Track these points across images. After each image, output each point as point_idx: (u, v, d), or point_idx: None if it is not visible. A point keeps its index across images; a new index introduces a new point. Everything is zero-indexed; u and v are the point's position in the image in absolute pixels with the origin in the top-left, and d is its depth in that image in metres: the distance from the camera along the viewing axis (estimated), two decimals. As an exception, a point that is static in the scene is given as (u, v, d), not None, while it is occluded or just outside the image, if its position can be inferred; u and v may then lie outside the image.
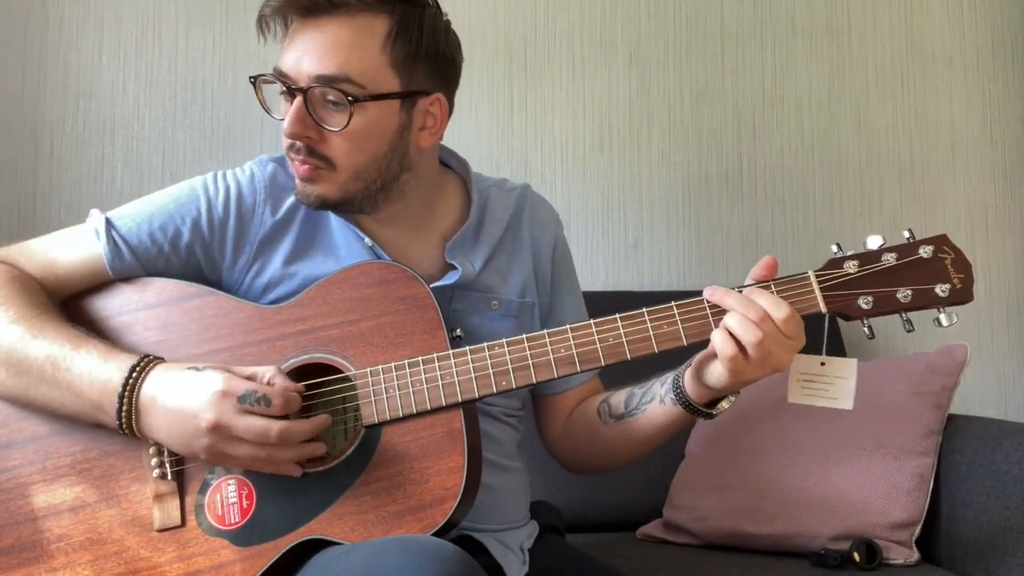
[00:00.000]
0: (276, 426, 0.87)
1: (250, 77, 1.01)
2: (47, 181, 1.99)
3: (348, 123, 0.96)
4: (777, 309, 0.90)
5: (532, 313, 1.13)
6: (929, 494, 1.47)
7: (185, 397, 0.87)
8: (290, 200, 1.06)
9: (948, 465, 1.51)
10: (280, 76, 0.98)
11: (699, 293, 1.96)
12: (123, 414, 0.89)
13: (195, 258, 1.04)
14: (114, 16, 2.04)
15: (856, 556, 1.40)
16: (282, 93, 1.00)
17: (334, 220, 1.07)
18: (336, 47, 0.95)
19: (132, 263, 1.01)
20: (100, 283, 1.02)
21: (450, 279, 1.05)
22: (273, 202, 1.06)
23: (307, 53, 0.95)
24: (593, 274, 2.07)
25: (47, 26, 2.02)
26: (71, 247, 1.02)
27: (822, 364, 0.98)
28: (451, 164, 1.16)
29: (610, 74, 2.15)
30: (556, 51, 2.13)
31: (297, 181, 1.01)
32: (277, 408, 0.87)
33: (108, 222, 1.02)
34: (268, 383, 0.89)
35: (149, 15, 2.05)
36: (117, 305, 1.01)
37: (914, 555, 1.44)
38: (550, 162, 2.12)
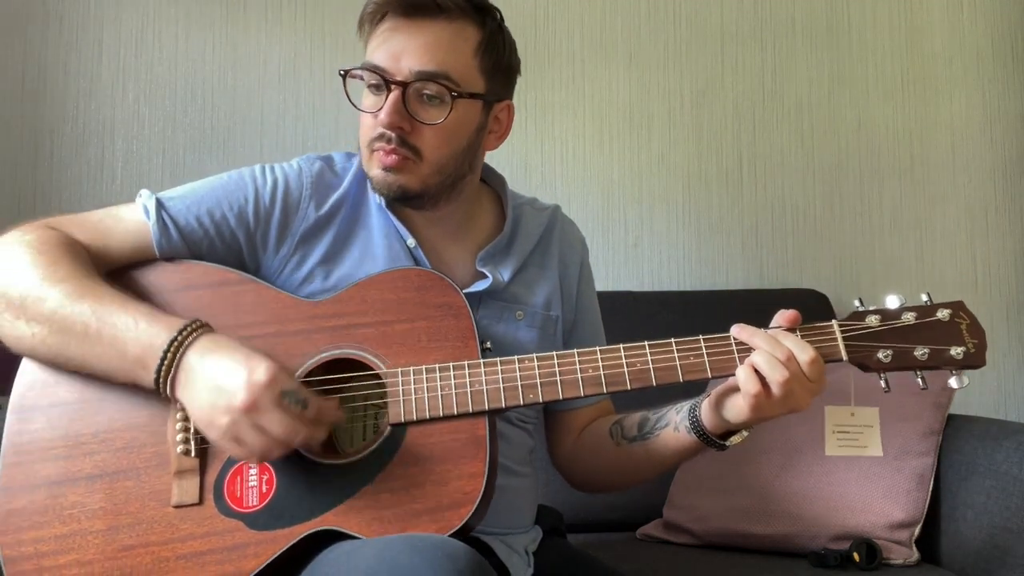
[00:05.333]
0: (304, 432, 0.88)
1: (340, 70, 1.04)
2: (47, 181, 1.99)
3: (447, 116, 1.01)
4: (803, 351, 0.92)
5: (556, 327, 1.16)
6: (929, 494, 1.47)
7: (230, 374, 0.87)
8: (334, 197, 1.10)
9: (948, 465, 1.51)
10: (376, 69, 1.02)
11: (699, 293, 1.98)
12: (163, 371, 0.90)
13: (238, 244, 1.06)
14: (114, 16, 2.04)
15: (856, 556, 1.40)
16: (371, 86, 1.04)
17: (375, 220, 1.11)
18: (437, 46, 1.01)
19: (178, 243, 1.03)
20: (144, 260, 1.04)
21: (480, 286, 1.08)
22: (318, 198, 1.09)
23: (408, 50, 1.01)
24: (593, 274, 2.07)
25: (47, 26, 2.02)
26: (121, 221, 1.04)
27: (851, 414, 1.02)
28: (488, 179, 1.21)
29: (610, 74, 2.15)
30: (556, 51, 2.14)
31: (378, 171, 1.04)
32: (309, 416, 0.88)
33: (159, 202, 1.04)
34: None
35: (149, 15, 2.05)
36: (159, 283, 1.02)
37: (914, 555, 1.44)
38: (550, 162, 2.12)
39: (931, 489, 1.48)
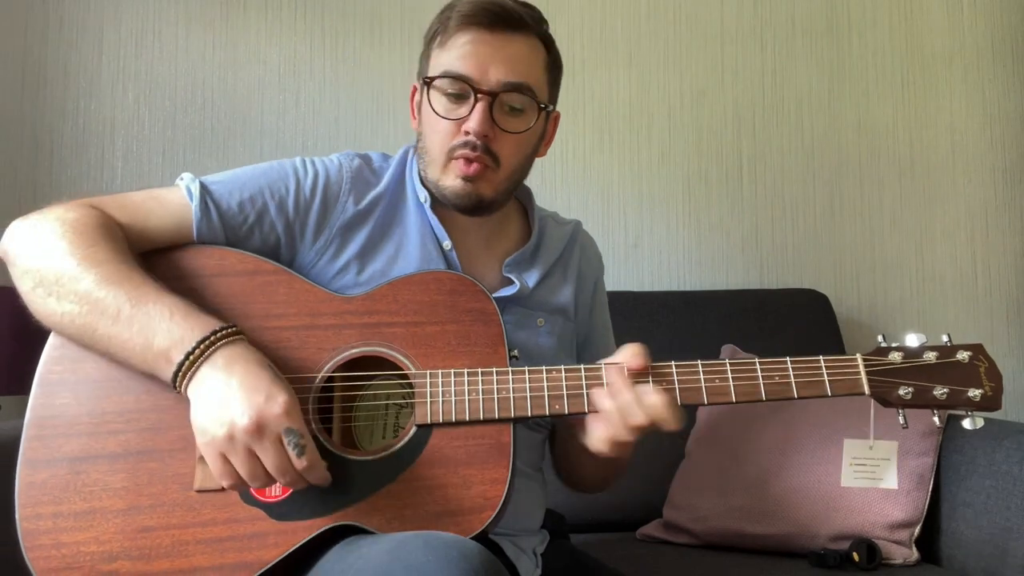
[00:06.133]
0: (290, 476, 0.87)
1: (425, 78, 1.07)
2: (47, 181, 1.99)
3: (531, 126, 1.08)
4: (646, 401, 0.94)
5: (573, 335, 1.20)
6: (929, 494, 1.47)
7: (247, 392, 0.86)
8: (372, 194, 1.12)
9: (948, 465, 1.51)
10: (462, 78, 1.04)
11: (699, 293, 1.98)
12: (184, 366, 0.89)
13: (275, 233, 1.07)
14: (114, 16, 2.04)
15: (856, 556, 1.40)
16: (450, 94, 1.06)
17: (412, 220, 1.12)
18: (520, 59, 1.06)
19: (218, 227, 1.04)
20: (180, 244, 1.04)
21: (506, 292, 1.11)
22: (357, 193, 1.11)
23: (495, 61, 1.05)
24: (593, 274, 2.08)
25: (47, 26, 2.02)
26: (163, 203, 1.04)
27: (870, 448, 1.03)
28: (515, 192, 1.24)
29: (610, 74, 2.15)
30: (556, 51, 2.13)
31: (457, 181, 1.07)
32: (300, 465, 0.87)
33: (203, 185, 1.05)
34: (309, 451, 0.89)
35: (149, 15, 2.05)
36: (194, 268, 1.02)
37: (913, 555, 1.44)
38: (550, 162, 2.12)
39: (931, 489, 1.48)
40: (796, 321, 1.89)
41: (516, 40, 1.06)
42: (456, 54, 1.05)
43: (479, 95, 1.04)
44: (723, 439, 1.62)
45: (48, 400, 0.96)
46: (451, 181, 1.07)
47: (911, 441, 1.49)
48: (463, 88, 1.04)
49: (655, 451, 1.68)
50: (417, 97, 1.13)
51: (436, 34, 1.09)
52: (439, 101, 1.06)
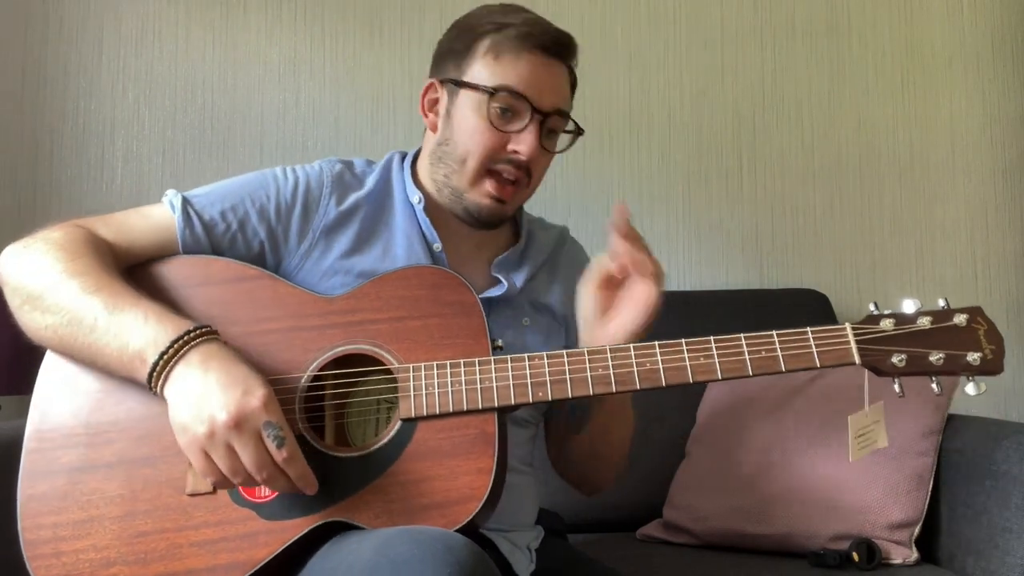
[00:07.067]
0: (268, 471, 0.87)
1: (490, 88, 1.07)
2: (47, 181, 1.99)
3: (566, 146, 1.16)
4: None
5: (560, 335, 1.20)
6: (929, 494, 1.47)
7: (224, 387, 0.87)
8: (355, 196, 1.13)
9: (948, 465, 1.51)
10: (524, 98, 1.08)
11: (699, 293, 1.98)
12: (159, 365, 0.90)
13: (259, 239, 1.08)
14: (114, 16, 2.04)
15: (855, 556, 1.40)
16: (502, 108, 1.08)
17: (398, 222, 1.13)
18: (564, 86, 1.14)
19: (202, 237, 1.06)
20: (166, 256, 1.06)
21: (495, 292, 1.13)
22: (339, 195, 1.12)
23: (551, 86, 1.10)
24: (593, 274, 2.08)
25: (47, 26, 2.03)
26: (147, 218, 1.07)
27: (866, 415, 1.01)
28: None
29: (610, 74, 2.15)
30: (556, 51, 2.13)
31: (488, 200, 1.10)
32: (281, 457, 0.87)
33: (184, 198, 1.07)
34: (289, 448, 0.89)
35: (149, 15, 2.05)
36: (179, 278, 1.04)
37: (913, 555, 1.44)
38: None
39: (931, 489, 1.48)
40: (796, 321, 1.88)
41: (562, 68, 1.12)
42: (517, 72, 1.08)
43: (535, 115, 1.07)
44: (723, 439, 1.62)
45: (46, 414, 0.98)
46: (479, 198, 1.10)
47: (911, 441, 1.49)
48: (519, 106, 1.07)
49: (655, 451, 1.68)
50: (445, 99, 1.12)
51: (480, 39, 1.09)
52: (485, 111, 1.07)
